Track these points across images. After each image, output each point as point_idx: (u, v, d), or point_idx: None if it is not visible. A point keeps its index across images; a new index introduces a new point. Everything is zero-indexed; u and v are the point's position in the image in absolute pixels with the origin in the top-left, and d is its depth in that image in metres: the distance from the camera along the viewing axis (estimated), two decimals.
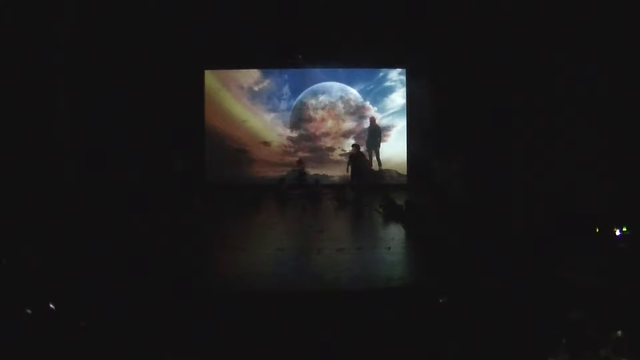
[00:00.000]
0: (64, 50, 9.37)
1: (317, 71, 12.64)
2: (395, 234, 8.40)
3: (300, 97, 12.82)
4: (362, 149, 12.13)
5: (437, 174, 10.02)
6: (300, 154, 12.69)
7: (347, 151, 12.48)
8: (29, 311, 4.54)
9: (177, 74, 11.55)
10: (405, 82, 12.52)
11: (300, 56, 11.96)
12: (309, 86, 12.78)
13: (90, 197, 8.98)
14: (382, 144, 12.64)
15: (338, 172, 12.68)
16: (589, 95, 8.01)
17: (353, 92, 12.75)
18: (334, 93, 12.78)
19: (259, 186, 11.94)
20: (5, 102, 8.36)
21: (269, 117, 12.82)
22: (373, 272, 6.39)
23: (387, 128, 12.68)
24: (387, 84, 12.69)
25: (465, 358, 4.17)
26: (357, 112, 12.78)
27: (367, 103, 12.73)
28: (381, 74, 12.68)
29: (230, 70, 12.71)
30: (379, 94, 12.70)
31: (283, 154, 12.81)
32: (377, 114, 12.66)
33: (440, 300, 4.87)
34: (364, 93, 12.72)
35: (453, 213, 8.76)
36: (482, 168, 9.61)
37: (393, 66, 12.52)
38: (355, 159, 11.59)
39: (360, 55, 11.79)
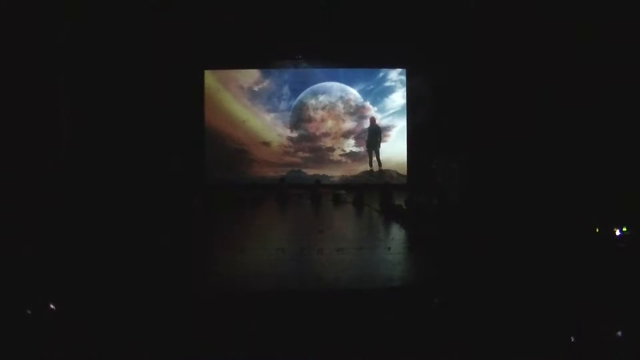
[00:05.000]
0: (64, 50, 9.39)
1: (317, 71, 12.64)
2: (395, 234, 8.39)
3: (300, 97, 12.81)
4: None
5: (437, 174, 10.01)
6: (301, 154, 12.72)
7: (347, 151, 12.53)
8: (28, 311, 4.54)
9: (177, 74, 11.56)
10: (405, 82, 12.52)
11: (300, 56, 11.96)
12: (308, 86, 12.78)
13: (91, 197, 8.98)
14: (382, 144, 12.64)
15: (338, 172, 12.70)
16: (589, 95, 8.02)
17: (353, 92, 12.75)
18: (334, 93, 12.78)
19: (259, 186, 11.94)
20: (6, 102, 8.38)
21: (269, 117, 12.82)
22: (373, 272, 6.38)
23: (387, 128, 12.67)
24: (387, 84, 12.68)
25: (465, 358, 4.17)
26: (357, 112, 12.78)
27: (367, 103, 12.72)
28: (381, 74, 12.67)
29: (230, 70, 12.70)
30: (379, 94, 12.69)
31: (283, 154, 12.81)
32: (377, 114, 12.66)
33: (436, 300, 4.87)
34: (364, 93, 12.71)
35: (453, 213, 8.75)
36: (482, 168, 9.61)
37: (393, 66, 12.53)
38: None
39: (360, 55, 11.79)
